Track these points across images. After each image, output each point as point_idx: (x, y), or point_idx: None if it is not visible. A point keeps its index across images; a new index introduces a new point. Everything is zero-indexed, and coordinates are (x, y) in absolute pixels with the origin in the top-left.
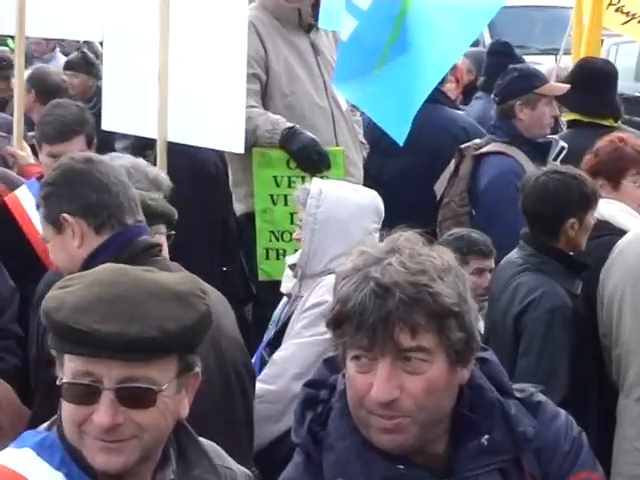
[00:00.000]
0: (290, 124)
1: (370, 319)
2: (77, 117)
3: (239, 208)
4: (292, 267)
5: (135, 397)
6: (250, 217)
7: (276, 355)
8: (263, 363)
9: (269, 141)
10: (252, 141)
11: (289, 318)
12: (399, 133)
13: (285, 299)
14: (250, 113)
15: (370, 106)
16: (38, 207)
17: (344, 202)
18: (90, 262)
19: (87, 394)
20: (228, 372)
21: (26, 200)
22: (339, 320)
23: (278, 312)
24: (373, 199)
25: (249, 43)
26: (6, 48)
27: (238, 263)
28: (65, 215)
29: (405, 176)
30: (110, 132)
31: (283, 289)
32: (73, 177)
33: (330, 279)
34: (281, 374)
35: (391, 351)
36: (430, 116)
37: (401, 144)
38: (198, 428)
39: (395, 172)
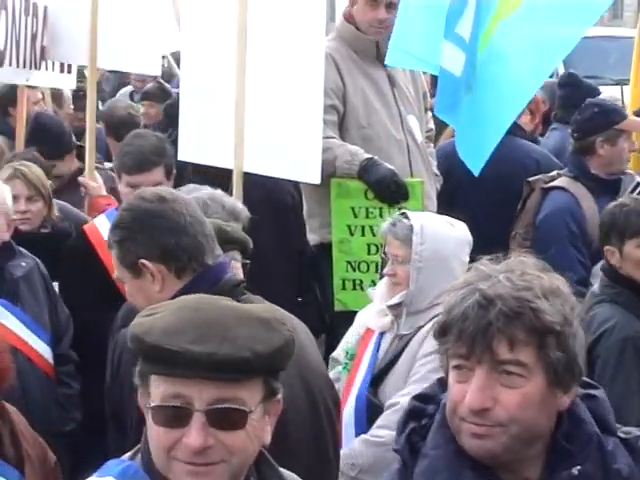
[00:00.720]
0: (369, 155)
1: (470, 328)
2: (156, 148)
3: (313, 239)
4: (392, 307)
5: (226, 418)
6: (324, 248)
7: (402, 400)
8: (369, 404)
9: (347, 172)
10: (330, 171)
11: (396, 356)
12: (475, 163)
13: (376, 334)
14: (328, 144)
15: (459, 134)
16: (110, 248)
17: (445, 238)
18: None
19: (178, 416)
20: (318, 408)
21: (105, 229)
22: (444, 329)
23: (352, 343)
24: (466, 232)
25: (327, 75)
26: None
27: (313, 294)
28: (144, 261)
29: (476, 207)
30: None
31: (374, 326)
32: (148, 221)
33: None
34: None
35: (488, 361)
36: (502, 148)
37: (476, 174)
38: (289, 462)
39: (466, 203)
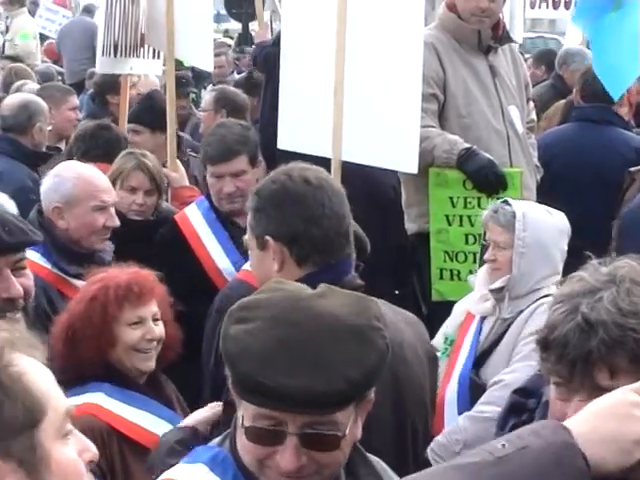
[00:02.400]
0: (468, 145)
1: (571, 354)
2: (239, 137)
3: (411, 228)
4: (495, 291)
5: (320, 442)
6: (422, 237)
7: (507, 377)
8: (472, 384)
9: (446, 161)
10: (429, 161)
11: (498, 339)
12: (615, 88)
13: (477, 319)
14: (428, 133)
15: (597, 51)
16: (248, 210)
17: (545, 225)
18: None
19: (271, 437)
20: (404, 424)
21: (195, 219)
22: (545, 346)
23: (451, 330)
24: (564, 221)
25: (429, 63)
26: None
27: (410, 286)
28: (269, 238)
29: (576, 197)
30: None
31: (475, 311)
32: (285, 200)
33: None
34: None
35: (588, 388)
36: (600, 137)
37: (615, 99)
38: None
39: (566, 194)
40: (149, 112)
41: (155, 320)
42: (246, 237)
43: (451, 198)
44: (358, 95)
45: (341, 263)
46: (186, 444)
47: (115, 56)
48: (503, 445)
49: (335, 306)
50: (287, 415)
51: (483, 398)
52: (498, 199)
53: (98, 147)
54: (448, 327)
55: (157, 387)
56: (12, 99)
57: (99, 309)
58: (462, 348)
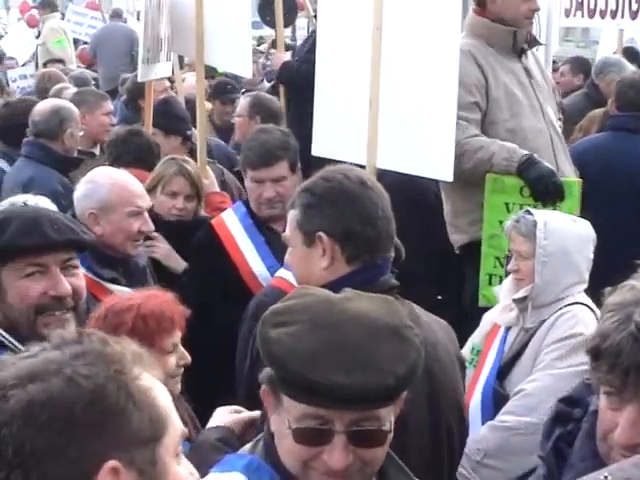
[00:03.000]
0: (527, 152)
1: (624, 363)
2: (280, 142)
3: (460, 239)
4: (518, 301)
5: (367, 438)
6: (473, 246)
7: (528, 386)
8: (496, 395)
9: (506, 169)
10: (486, 168)
11: (521, 349)
12: None
13: (502, 329)
14: (480, 142)
15: None
16: (292, 206)
17: (568, 233)
18: (332, 287)
19: (318, 436)
20: (439, 423)
21: (232, 224)
22: (596, 355)
23: (478, 340)
24: (589, 229)
25: (469, 71)
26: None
27: (453, 292)
28: (322, 234)
29: (610, 204)
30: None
31: (500, 321)
32: (342, 199)
33: (576, 310)
34: (537, 406)
35: None
36: (636, 146)
37: None
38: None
39: (600, 201)
40: (163, 116)
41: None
42: (287, 233)
43: (507, 204)
44: (393, 102)
45: (385, 264)
46: (226, 442)
47: (147, 63)
48: (605, 477)
49: (367, 308)
50: (334, 413)
51: (505, 408)
52: (554, 209)
53: (129, 153)
54: (475, 337)
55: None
56: (44, 104)
57: (143, 340)
58: (487, 358)
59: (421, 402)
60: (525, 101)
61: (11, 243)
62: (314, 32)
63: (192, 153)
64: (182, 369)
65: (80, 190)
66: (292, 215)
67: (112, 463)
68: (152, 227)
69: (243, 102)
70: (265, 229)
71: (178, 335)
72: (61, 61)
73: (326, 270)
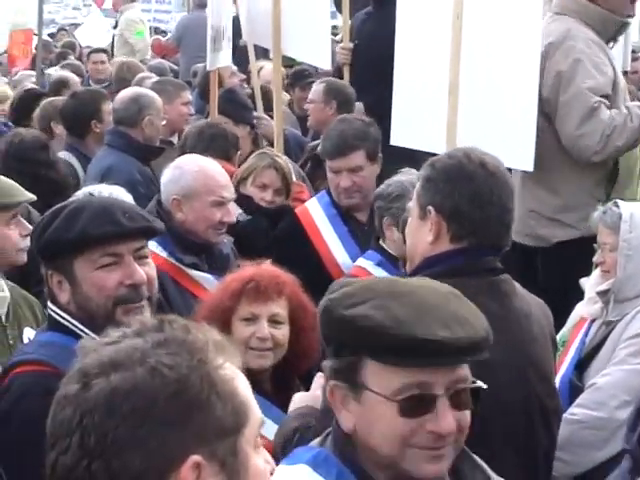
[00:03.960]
0: None
1: None
2: (358, 132)
3: (564, 234)
4: (601, 293)
5: (462, 399)
6: (584, 242)
7: (600, 380)
8: (572, 387)
9: None
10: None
11: (601, 342)
12: None
13: (587, 322)
14: (622, 115)
15: None
16: (417, 180)
17: None
18: (433, 263)
19: (421, 405)
20: (530, 398)
21: (316, 213)
22: None
23: (566, 330)
24: None
25: (601, 58)
26: None
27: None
28: (431, 209)
29: None
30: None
31: (585, 314)
32: (457, 177)
33: None
34: (607, 401)
35: None
36: None
37: None
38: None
39: None
40: (231, 105)
41: (276, 322)
42: (410, 204)
43: None
44: (473, 91)
45: (491, 252)
46: (311, 415)
47: (213, 52)
48: None
49: (423, 280)
50: (434, 377)
51: (577, 401)
52: None
53: (207, 144)
54: (564, 329)
55: (283, 392)
56: (124, 92)
57: (222, 301)
58: (570, 350)
59: (511, 371)
60: (625, 87)
61: (84, 233)
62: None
63: (255, 142)
64: (269, 346)
65: (167, 175)
66: (417, 188)
67: (195, 458)
68: (234, 219)
69: (317, 88)
70: (349, 218)
71: (267, 309)
72: (104, 51)
73: (430, 245)
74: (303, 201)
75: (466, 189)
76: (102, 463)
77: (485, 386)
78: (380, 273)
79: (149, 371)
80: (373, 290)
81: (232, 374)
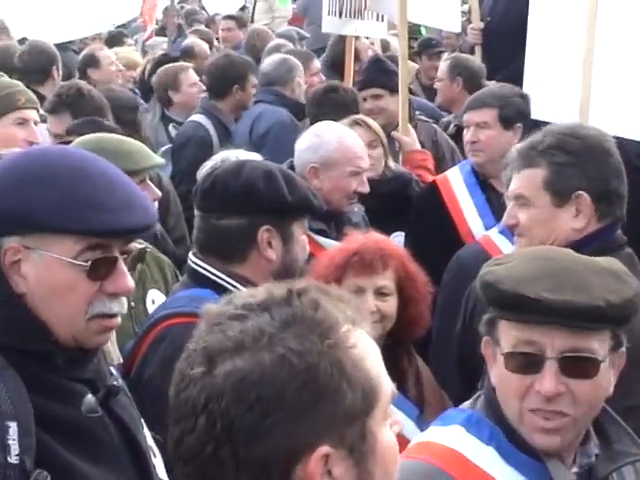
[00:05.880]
0: None
1: None
2: (497, 93)
3: None
4: None
5: (578, 367)
6: None
7: None
8: None
9: None
10: None
11: None
12: None
13: None
14: None
15: None
16: (531, 165)
17: None
18: (583, 245)
19: (530, 363)
20: None
21: (456, 182)
22: None
23: None
24: None
25: None
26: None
27: None
28: (582, 193)
29: None
30: None
31: None
32: (599, 156)
33: None
34: None
35: None
36: None
37: None
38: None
39: None
40: (384, 74)
41: (383, 294)
42: (524, 192)
43: None
44: (608, 64)
45: (621, 221)
46: None
47: (340, 17)
48: None
49: (587, 257)
50: (546, 337)
51: None
52: None
53: (326, 109)
54: None
55: (392, 360)
56: (271, 58)
57: (327, 274)
58: None
59: None
60: None
61: (307, 199)
62: None
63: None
64: (375, 318)
65: (305, 142)
66: (533, 174)
67: (323, 449)
68: (367, 189)
69: (442, 66)
70: (487, 187)
71: (372, 282)
72: (234, 17)
73: (576, 230)
74: (427, 169)
75: (610, 165)
76: (229, 449)
77: (601, 359)
78: (502, 240)
79: (277, 359)
80: (525, 254)
81: (363, 352)
